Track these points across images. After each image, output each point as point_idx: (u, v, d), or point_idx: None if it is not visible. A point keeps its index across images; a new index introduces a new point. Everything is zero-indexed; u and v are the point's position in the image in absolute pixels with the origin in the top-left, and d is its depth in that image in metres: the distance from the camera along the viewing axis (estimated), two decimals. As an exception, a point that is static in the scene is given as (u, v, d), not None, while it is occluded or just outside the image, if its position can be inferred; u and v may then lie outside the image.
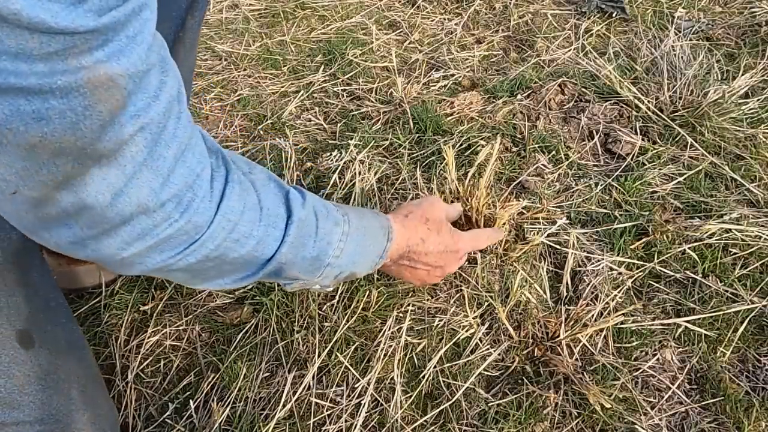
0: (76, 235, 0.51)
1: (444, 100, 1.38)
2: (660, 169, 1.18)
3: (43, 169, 0.44)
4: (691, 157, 1.22)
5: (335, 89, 1.44)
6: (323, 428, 0.88)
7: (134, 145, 0.47)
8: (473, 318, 0.97)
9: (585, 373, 0.91)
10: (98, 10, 0.39)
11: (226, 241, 0.58)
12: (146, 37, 0.44)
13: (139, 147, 0.48)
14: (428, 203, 0.88)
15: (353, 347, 0.94)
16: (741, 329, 0.95)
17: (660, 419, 0.87)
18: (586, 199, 1.14)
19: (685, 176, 1.17)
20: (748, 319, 0.96)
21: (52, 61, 0.39)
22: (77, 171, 0.46)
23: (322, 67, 1.50)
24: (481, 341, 0.95)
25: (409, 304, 0.98)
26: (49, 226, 0.50)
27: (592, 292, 0.99)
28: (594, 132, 1.28)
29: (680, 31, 1.56)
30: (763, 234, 1.05)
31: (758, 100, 1.34)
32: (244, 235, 0.60)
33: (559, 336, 0.93)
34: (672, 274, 1.02)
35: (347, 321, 0.96)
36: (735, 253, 1.03)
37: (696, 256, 1.03)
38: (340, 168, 1.18)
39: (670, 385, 0.91)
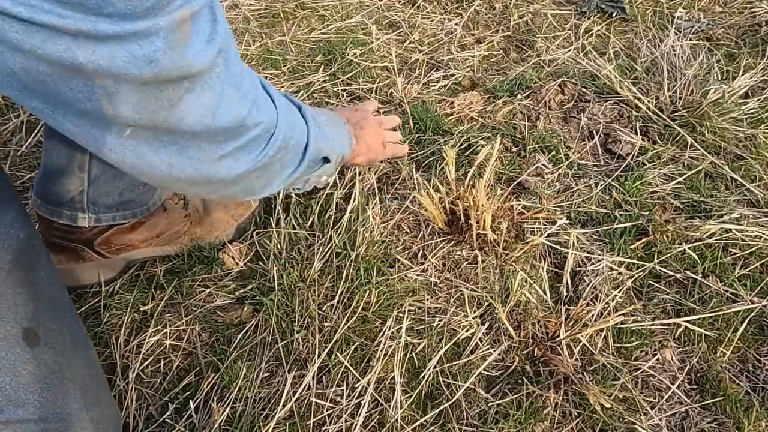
0: (181, 147, 0.59)
1: (444, 100, 1.38)
2: (660, 169, 1.18)
3: (152, 99, 0.51)
4: (691, 157, 1.22)
5: (335, 89, 1.44)
6: (323, 428, 0.88)
7: (217, 66, 0.55)
8: (473, 318, 0.97)
9: (585, 373, 0.91)
10: None
11: (287, 130, 0.71)
12: None
13: (220, 67, 0.56)
14: (350, 108, 1.08)
15: (353, 347, 0.94)
16: (741, 329, 0.95)
17: (660, 419, 0.88)
18: (586, 199, 1.14)
19: (685, 176, 1.17)
20: (748, 319, 0.96)
21: (149, 16, 0.46)
22: (178, 95, 0.53)
23: (322, 67, 1.50)
24: (481, 341, 0.95)
25: (409, 304, 0.98)
26: (158, 150, 0.58)
27: (592, 292, 0.99)
28: (594, 132, 1.28)
29: (680, 31, 1.56)
30: (763, 234, 1.05)
31: (758, 100, 1.34)
32: (293, 124, 0.73)
33: (559, 336, 0.93)
34: (672, 274, 1.02)
35: (347, 321, 0.96)
36: (735, 253, 1.03)
37: (696, 256, 1.03)
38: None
39: (670, 385, 0.91)
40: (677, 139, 1.25)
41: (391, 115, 1.18)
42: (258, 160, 0.68)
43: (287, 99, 0.79)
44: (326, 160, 0.86)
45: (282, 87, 1.46)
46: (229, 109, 0.59)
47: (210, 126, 0.58)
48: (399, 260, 1.03)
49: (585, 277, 1.00)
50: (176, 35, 0.50)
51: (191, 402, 0.91)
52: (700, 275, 1.01)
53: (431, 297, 1.00)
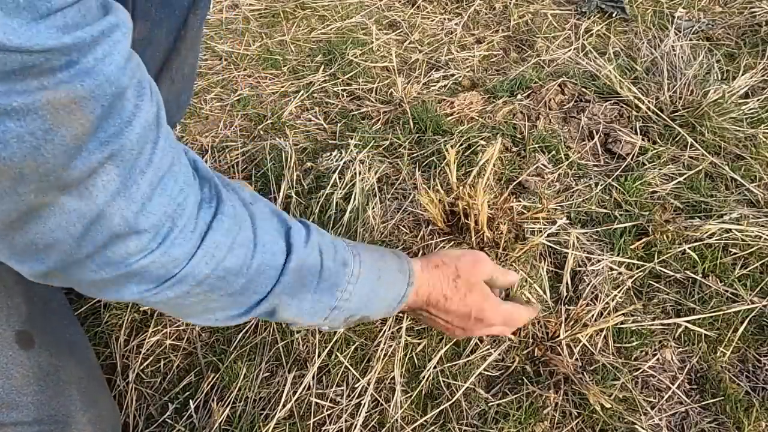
0: (49, 268, 0.48)
1: (444, 100, 1.38)
2: (660, 169, 1.18)
3: (5, 198, 0.41)
4: (691, 157, 1.22)
5: (335, 89, 1.44)
6: (323, 428, 0.88)
7: (105, 173, 0.44)
8: (473, 318, 0.97)
9: (585, 373, 0.91)
10: (62, 27, 0.37)
11: (209, 278, 0.53)
12: (116, 59, 0.41)
13: (110, 176, 0.44)
14: (470, 259, 0.79)
15: (353, 347, 0.94)
16: (741, 329, 0.95)
17: (660, 419, 0.87)
18: (586, 199, 1.14)
19: (685, 176, 1.17)
20: (748, 319, 0.96)
21: (8, 81, 0.36)
22: (43, 201, 0.43)
23: (322, 67, 1.50)
24: (481, 341, 0.95)
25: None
26: (22, 259, 0.48)
27: (592, 292, 0.99)
28: (594, 132, 1.28)
29: (680, 31, 1.56)
30: (763, 234, 1.04)
31: (758, 100, 1.34)
32: (232, 273, 0.55)
33: (559, 336, 0.93)
34: (672, 274, 1.02)
35: (347, 321, 0.96)
36: (735, 253, 1.03)
37: (696, 256, 1.02)
38: (340, 168, 1.18)
39: (670, 385, 0.91)
40: (677, 139, 1.25)
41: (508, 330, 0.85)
42: (148, 296, 0.52)
43: (281, 237, 0.60)
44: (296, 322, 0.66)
45: (282, 87, 1.46)
46: (108, 225, 0.46)
47: (78, 239, 0.46)
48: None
49: (585, 277, 1.00)
50: (56, 123, 0.39)
51: (191, 402, 0.91)
52: (700, 275, 1.01)
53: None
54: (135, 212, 0.47)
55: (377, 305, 0.69)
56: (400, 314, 0.96)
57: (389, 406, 0.89)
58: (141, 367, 0.96)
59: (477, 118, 1.31)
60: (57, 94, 0.38)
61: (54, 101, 0.38)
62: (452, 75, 1.47)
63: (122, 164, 0.45)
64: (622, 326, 0.95)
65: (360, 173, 1.16)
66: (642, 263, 1.03)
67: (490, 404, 0.89)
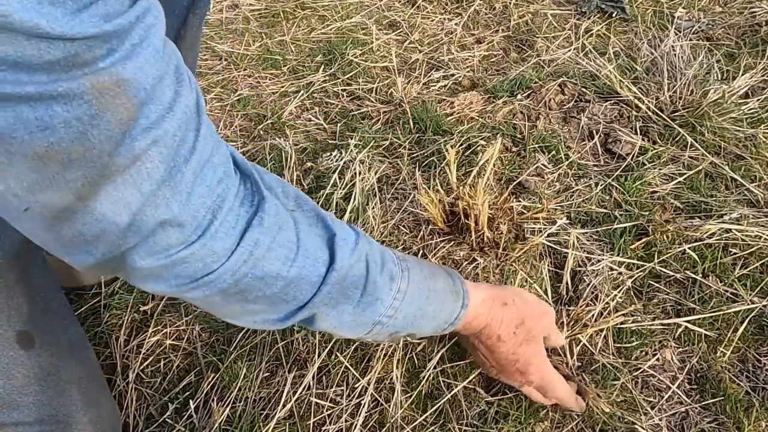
0: (97, 259, 0.48)
1: (444, 100, 1.38)
2: (660, 169, 1.18)
3: (54, 183, 0.41)
4: (691, 157, 1.22)
5: (335, 89, 1.44)
6: (323, 428, 0.88)
7: (149, 161, 0.44)
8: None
9: (585, 374, 0.91)
10: (103, 15, 0.38)
11: (247, 277, 0.52)
12: (153, 42, 0.42)
13: (154, 163, 0.44)
14: (539, 311, 0.77)
15: (353, 347, 0.94)
16: (741, 329, 0.95)
17: (660, 419, 0.87)
18: (586, 199, 1.14)
19: (685, 176, 1.17)
20: (748, 319, 0.96)
21: (53, 70, 0.37)
22: (90, 189, 0.43)
23: (322, 67, 1.50)
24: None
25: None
26: (70, 251, 0.48)
27: (592, 292, 0.99)
28: (594, 132, 1.28)
29: (680, 31, 1.56)
30: (763, 234, 1.04)
31: (758, 100, 1.34)
32: (271, 275, 0.53)
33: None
34: (672, 274, 1.02)
35: (347, 321, 0.96)
36: (735, 253, 1.03)
37: (696, 256, 1.03)
38: (340, 168, 1.18)
39: (670, 385, 0.91)
40: (677, 139, 1.25)
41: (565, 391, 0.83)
42: (184, 291, 0.52)
43: (324, 243, 0.58)
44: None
45: (282, 87, 1.46)
46: (153, 214, 0.46)
47: (123, 229, 0.46)
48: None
49: (585, 277, 1.00)
50: (101, 107, 0.39)
51: (191, 402, 0.91)
52: (700, 275, 1.01)
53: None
54: (180, 202, 0.47)
55: (424, 324, 0.67)
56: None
57: (389, 406, 0.89)
58: (141, 367, 0.96)
59: (477, 118, 1.31)
60: (100, 78, 0.38)
61: (98, 85, 0.39)
62: (452, 75, 1.47)
63: (166, 151, 0.45)
64: (622, 326, 0.95)
65: (360, 173, 1.16)
66: (642, 263, 1.03)
67: (490, 404, 0.89)
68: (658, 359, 0.93)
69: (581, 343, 0.93)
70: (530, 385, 0.79)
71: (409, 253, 1.06)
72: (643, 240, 1.06)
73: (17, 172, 0.40)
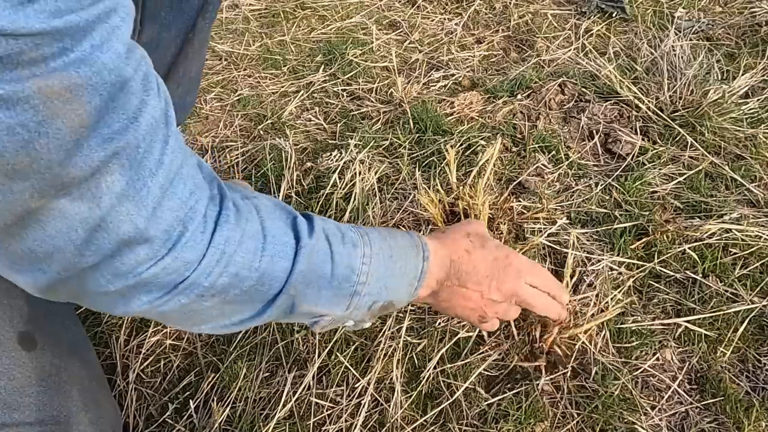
0: (51, 280, 0.45)
1: (444, 100, 1.38)
2: (660, 169, 1.18)
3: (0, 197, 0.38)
4: (691, 157, 1.22)
5: (335, 89, 1.44)
6: (323, 428, 0.88)
7: (109, 174, 0.41)
8: (473, 318, 0.97)
9: (585, 373, 0.91)
10: (53, 12, 0.34)
11: (222, 276, 0.51)
12: (115, 46, 0.38)
13: (115, 176, 0.41)
14: (467, 221, 0.79)
15: (353, 347, 0.94)
16: (741, 329, 0.95)
17: (660, 419, 0.87)
18: (586, 199, 1.14)
19: (685, 176, 1.17)
20: (748, 319, 0.96)
21: None
22: (40, 202, 0.40)
23: (322, 67, 1.50)
24: (481, 341, 0.95)
25: (409, 304, 0.98)
26: (21, 269, 0.44)
27: (592, 292, 0.99)
28: (594, 132, 1.28)
29: (680, 31, 1.56)
30: (763, 234, 1.04)
31: (758, 100, 1.34)
32: (245, 268, 0.52)
33: (559, 335, 0.93)
34: (672, 274, 1.02)
35: (347, 321, 0.96)
36: (735, 253, 1.03)
37: (696, 256, 1.03)
38: (340, 168, 1.18)
39: (670, 385, 0.91)
40: (677, 139, 1.25)
41: (547, 300, 0.80)
42: (159, 304, 0.49)
43: (287, 227, 0.58)
44: (319, 315, 0.63)
45: (282, 87, 1.46)
46: (115, 230, 0.43)
47: (80, 247, 0.43)
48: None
49: (585, 277, 1.00)
50: (48, 113, 0.36)
51: (191, 402, 0.91)
52: (700, 275, 1.01)
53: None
54: (146, 218, 0.44)
55: (397, 285, 0.66)
56: (412, 308, 0.96)
57: (389, 406, 0.89)
58: (141, 367, 0.96)
59: (477, 118, 1.31)
60: (49, 81, 0.35)
61: (46, 89, 0.35)
62: (452, 75, 1.47)
63: (129, 164, 0.42)
64: (622, 326, 0.95)
65: (360, 173, 1.16)
66: (642, 263, 1.03)
67: (490, 404, 0.89)
68: (658, 359, 0.93)
69: (581, 343, 0.93)
70: (520, 272, 0.76)
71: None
72: (643, 240, 1.06)
73: None
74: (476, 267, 0.72)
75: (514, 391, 0.89)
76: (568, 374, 0.90)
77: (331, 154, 1.22)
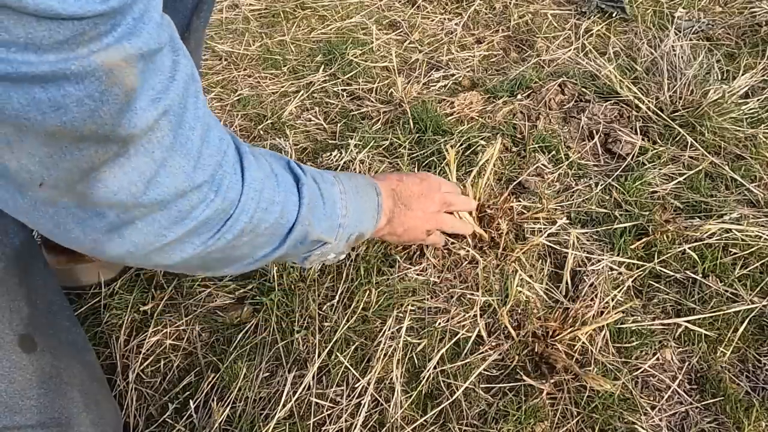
0: (111, 225, 0.49)
1: (444, 100, 1.38)
2: (660, 169, 1.18)
3: (67, 156, 0.42)
4: (691, 157, 1.22)
5: (335, 89, 1.44)
6: (323, 428, 0.88)
7: (159, 129, 0.46)
8: (473, 318, 0.97)
9: (585, 373, 0.91)
10: None
11: (257, 211, 0.59)
12: (154, 16, 0.43)
13: (164, 131, 0.46)
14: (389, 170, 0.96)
15: (353, 347, 0.94)
16: (741, 329, 0.95)
17: (660, 419, 0.88)
18: (586, 199, 1.14)
19: (685, 176, 1.17)
20: (748, 319, 0.96)
21: (62, 51, 0.38)
22: (103, 158, 0.44)
23: (322, 67, 1.50)
24: (481, 341, 0.95)
25: (409, 304, 0.98)
26: (82, 225, 0.48)
27: (592, 292, 0.99)
28: (594, 132, 1.28)
29: (680, 31, 1.56)
30: (763, 234, 1.05)
31: (758, 100, 1.34)
32: (270, 202, 0.60)
33: (559, 336, 0.93)
34: (672, 274, 1.02)
35: (347, 321, 0.96)
36: (735, 253, 1.03)
37: (696, 256, 1.03)
38: (340, 168, 1.18)
39: (670, 385, 0.91)
40: (677, 139, 1.25)
41: (465, 197, 1.01)
42: (210, 245, 0.56)
43: (285, 168, 0.67)
44: (323, 243, 0.72)
45: (282, 87, 1.46)
46: (170, 181, 0.49)
47: (140, 198, 0.48)
48: (398, 260, 1.03)
49: (585, 277, 1.00)
50: (109, 82, 0.40)
51: (191, 402, 0.91)
52: (700, 275, 1.01)
53: (431, 297, 1.00)
54: (193, 166, 0.50)
55: (365, 217, 0.78)
56: (412, 308, 0.96)
57: (389, 406, 0.89)
58: (141, 367, 0.96)
59: (477, 118, 1.31)
60: (109, 54, 0.39)
61: (107, 61, 0.40)
62: (452, 75, 1.47)
63: (174, 119, 0.47)
64: (622, 326, 0.95)
65: (360, 173, 1.16)
66: (642, 263, 1.03)
67: (490, 404, 0.89)
68: (658, 359, 0.93)
69: (581, 343, 0.93)
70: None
71: (408, 253, 1.06)
72: (643, 240, 1.06)
73: (29, 149, 0.41)
74: (411, 190, 0.88)
75: (514, 392, 0.89)
76: (568, 374, 0.90)
77: (331, 154, 1.22)
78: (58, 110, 0.39)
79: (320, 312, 0.97)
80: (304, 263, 0.74)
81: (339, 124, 1.35)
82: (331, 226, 0.71)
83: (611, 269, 1.02)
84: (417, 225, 0.90)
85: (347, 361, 0.92)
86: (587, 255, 1.04)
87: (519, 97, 1.36)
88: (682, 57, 1.37)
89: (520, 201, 1.12)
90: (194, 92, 0.50)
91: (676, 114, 1.28)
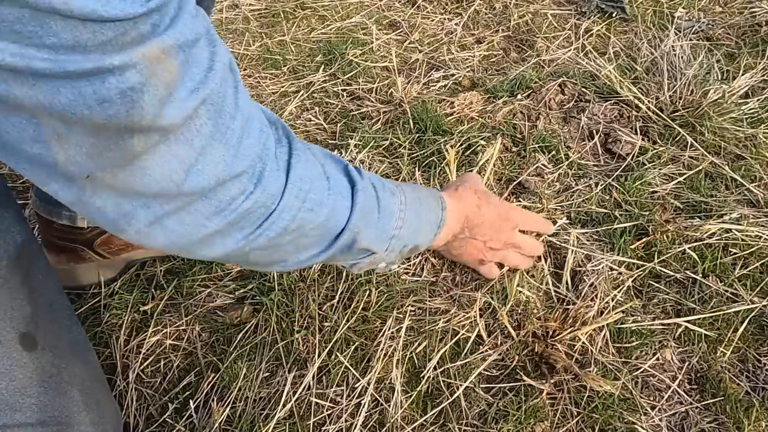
0: (155, 215, 0.51)
1: (444, 100, 1.38)
2: (660, 169, 1.18)
3: (111, 146, 0.44)
4: (691, 157, 1.22)
5: (335, 89, 1.44)
6: (323, 428, 0.88)
7: (198, 118, 0.47)
8: (473, 318, 0.97)
9: (585, 373, 0.91)
10: None
11: (301, 210, 0.58)
12: (189, 9, 0.44)
13: (203, 120, 0.48)
14: (470, 177, 0.91)
15: (353, 347, 0.94)
16: (741, 329, 0.95)
17: (660, 419, 0.88)
18: (586, 199, 1.14)
19: (685, 176, 1.17)
20: (748, 319, 0.96)
21: (107, 50, 0.40)
22: (145, 147, 0.46)
23: (322, 67, 1.50)
24: (481, 341, 0.95)
25: (409, 304, 0.98)
26: (127, 213, 0.50)
27: (593, 292, 0.99)
28: (594, 132, 1.28)
29: (680, 31, 1.56)
30: (763, 234, 1.05)
31: (758, 100, 1.34)
32: (317, 204, 0.60)
33: (558, 335, 0.93)
34: (672, 274, 1.02)
35: (347, 321, 0.96)
36: (735, 253, 1.03)
37: (696, 256, 1.03)
38: (340, 168, 1.18)
39: (670, 385, 0.91)
40: (677, 139, 1.25)
41: (534, 242, 1.00)
42: (252, 240, 0.57)
43: (342, 171, 0.66)
44: (371, 252, 0.71)
45: (282, 87, 1.46)
46: (210, 169, 0.50)
47: (182, 186, 0.49)
48: (399, 260, 1.03)
49: (585, 277, 1.00)
50: (150, 74, 0.42)
51: (191, 402, 0.91)
52: (700, 275, 1.01)
53: (431, 297, 1.00)
54: (232, 155, 0.51)
55: (423, 231, 0.76)
56: (412, 309, 0.96)
57: (389, 406, 0.89)
58: (141, 367, 0.96)
59: (477, 118, 1.31)
60: (150, 47, 0.41)
61: (148, 54, 0.41)
62: (452, 75, 1.47)
63: (212, 108, 0.48)
64: (622, 326, 0.95)
65: (360, 173, 1.16)
66: (642, 263, 1.03)
67: (490, 404, 0.89)
68: (658, 359, 0.93)
69: (581, 343, 0.93)
70: (516, 226, 0.94)
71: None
72: (643, 240, 1.06)
73: (77, 140, 0.43)
74: (484, 221, 0.87)
75: (514, 392, 0.89)
76: (568, 374, 0.90)
77: (331, 154, 1.22)
78: (103, 103, 0.41)
79: (320, 312, 0.97)
80: (352, 269, 0.74)
81: (339, 124, 1.35)
82: (383, 236, 0.70)
83: (611, 269, 1.02)
84: (473, 253, 0.91)
85: (347, 361, 0.92)
86: (587, 255, 1.04)
87: (519, 97, 1.36)
88: (682, 57, 1.37)
89: (520, 201, 1.12)
90: (233, 82, 0.51)
91: (676, 114, 1.28)
